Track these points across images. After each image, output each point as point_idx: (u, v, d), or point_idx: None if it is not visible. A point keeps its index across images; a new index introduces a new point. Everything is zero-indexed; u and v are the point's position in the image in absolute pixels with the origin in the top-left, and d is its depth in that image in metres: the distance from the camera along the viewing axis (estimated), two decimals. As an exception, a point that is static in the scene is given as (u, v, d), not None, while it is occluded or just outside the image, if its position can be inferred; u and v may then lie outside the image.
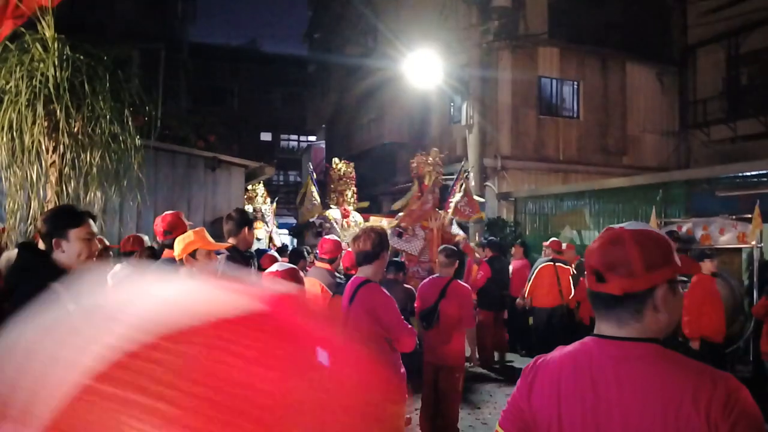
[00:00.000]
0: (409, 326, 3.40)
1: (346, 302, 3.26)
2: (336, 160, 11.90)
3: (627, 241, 1.30)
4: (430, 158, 9.33)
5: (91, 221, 2.49)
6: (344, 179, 11.51)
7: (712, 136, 15.63)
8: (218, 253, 3.60)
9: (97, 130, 4.17)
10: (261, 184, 13.37)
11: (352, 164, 11.84)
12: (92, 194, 4.40)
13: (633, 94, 15.58)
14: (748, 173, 8.84)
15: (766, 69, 14.88)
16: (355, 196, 11.71)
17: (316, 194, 11.06)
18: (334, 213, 10.83)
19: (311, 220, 10.78)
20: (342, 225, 10.75)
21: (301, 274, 2.70)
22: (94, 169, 4.28)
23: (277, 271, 2.62)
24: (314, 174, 11.83)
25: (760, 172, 8.64)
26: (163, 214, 3.84)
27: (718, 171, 9.68)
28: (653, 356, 1.27)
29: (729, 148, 15.04)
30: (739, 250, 7.62)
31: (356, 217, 11.13)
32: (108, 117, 4.15)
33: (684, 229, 8.80)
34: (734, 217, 7.98)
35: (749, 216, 7.55)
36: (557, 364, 1.38)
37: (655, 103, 16.01)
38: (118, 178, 4.57)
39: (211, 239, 3.11)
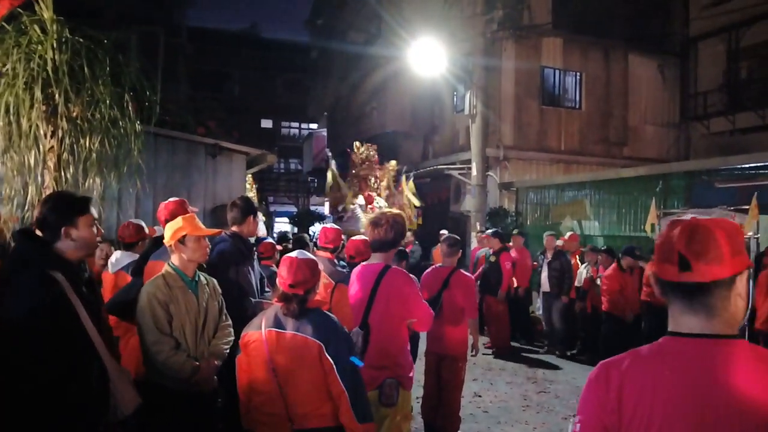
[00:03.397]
0: (429, 307, 3.45)
1: (368, 287, 3.23)
2: (357, 144, 11.64)
3: (711, 227, 1.27)
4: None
5: (92, 206, 2.45)
6: (367, 163, 11.21)
7: (711, 129, 15.60)
8: (221, 239, 3.56)
9: (96, 114, 4.12)
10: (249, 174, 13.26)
11: (374, 147, 11.57)
12: (91, 180, 4.35)
13: (634, 85, 15.52)
14: (747, 165, 8.84)
15: (765, 63, 14.84)
16: (378, 180, 11.42)
17: (340, 182, 11.01)
18: (358, 200, 10.78)
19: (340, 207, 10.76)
20: (366, 211, 10.65)
21: (320, 266, 2.65)
22: (94, 155, 4.23)
23: (295, 257, 2.57)
24: (333, 162, 11.58)
25: (758, 164, 8.64)
26: (167, 201, 3.79)
27: (717, 163, 9.68)
28: (751, 355, 1.25)
29: (728, 140, 15.02)
30: (737, 241, 7.63)
31: (380, 202, 10.98)
32: (108, 102, 4.10)
33: (684, 220, 8.81)
34: (732, 208, 7.99)
35: (747, 207, 7.56)
36: (647, 369, 1.29)
37: (656, 94, 15.95)
38: (117, 165, 4.52)
39: (201, 225, 3.05)
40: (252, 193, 13.65)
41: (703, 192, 9.55)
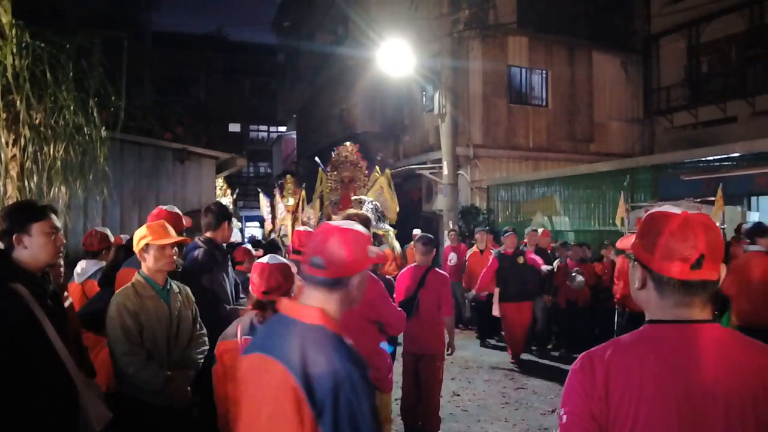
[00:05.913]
0: (399, 309, 3.42)
1: None
2: (347, 144, 11.40)
3: (715, 228, 1.34)
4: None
5: (53, 215, 2.38)
6: (343, 165, 10.96)
7: (675, 123, 16.00)
8: (194, 246, 3.49)
9: (60, 121, 4.00)
10: (221, 178, 13.13)
11: (356, 146, 11.36)
12: (56, 189, 4.24)
13: (599, 82, 15.80)
14: (710, 158, 9.07)
15: (725, 58, 15.30)
16: (366, 176, 11.09)
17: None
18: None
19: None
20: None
21: (294, 269, 2.61)
22: (58, 163, 4.12)
23: (267, 263, 2.52)
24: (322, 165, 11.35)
25: (722, 156, 8.87)
26: (160, 207, 3.70)
27: (682, 156, 9.90)
28: (727, 336, 1.33)
29: (691, 133, 15.43)
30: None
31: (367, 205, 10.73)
32: (72, 108, 3.99)
33: (651, 213, 8.99)
34: (699, 200, 8.16)
35: (713, 199, 7.74)
36: (631, 356, 1.32)
37: (620, 91, 16.27)
38: (83, 172, 4.41)
39: (168, 233, 2.97)
40: (227, 199, 13.52)
41: (670, 185, 9.76)
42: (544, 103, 15.23)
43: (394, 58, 11.81)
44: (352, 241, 1.58)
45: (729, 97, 14.58)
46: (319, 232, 1.61)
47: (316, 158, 11.64)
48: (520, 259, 7.89)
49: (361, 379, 1.46)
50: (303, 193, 11.89)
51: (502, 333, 8.47)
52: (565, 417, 1.34)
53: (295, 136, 27.74)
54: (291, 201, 11.62)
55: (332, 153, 11.14)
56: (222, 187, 13.93)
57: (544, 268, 7.77)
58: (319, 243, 1.57)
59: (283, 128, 32.46)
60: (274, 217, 12.68)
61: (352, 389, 1.43)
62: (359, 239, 1.60)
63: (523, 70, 14.92)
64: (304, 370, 1.44)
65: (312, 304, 1.56)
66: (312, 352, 1.46)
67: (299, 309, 1.58)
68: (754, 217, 10.18)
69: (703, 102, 15.21)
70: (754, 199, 10.53)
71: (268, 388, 1.51)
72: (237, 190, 15.44)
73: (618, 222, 9.31)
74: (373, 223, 9.63)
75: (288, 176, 12.92)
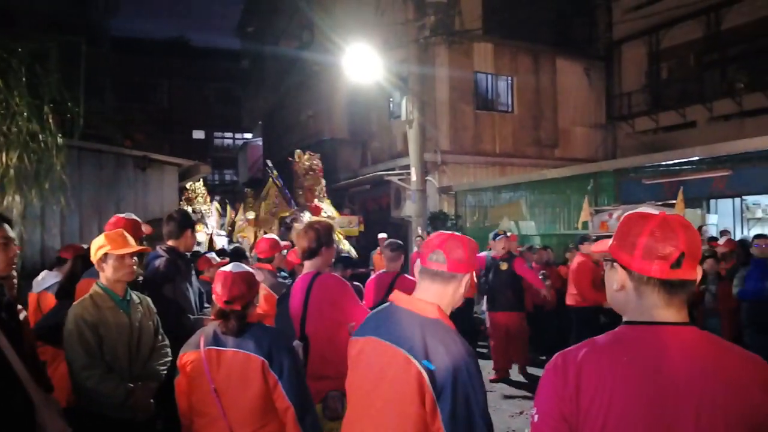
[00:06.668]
0: (369, 310, 3.37)
1: (302, 298, 3.15)
2: (299, 152, 11.37)
3: (693, 228, 1.33)
4: None
5: (6, 225, 2.28)
6: (310, 173, 10.99)
7: (636, 128, 16.41)
8: (156, 255, 3.39)
9: (13, 128, 3.85)
10: (200, 183, 13.04)
11: (317, 155, 11.39)
12: (10, 198, 4.08)
13: (563, 88, 16.10)
14: (671, 162, 9.31)
15: (684, 64, 15.78)
16: (324, 190, 11.20)
17: (280, 193, 10.81)
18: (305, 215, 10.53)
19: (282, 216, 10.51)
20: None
21: (261, 277, 2.53)
22: (11, 171, 3.96)
23: (229, 272, 2.45)
24: (274, 172, 11.26)
25: (682, 160, 9.11)
26: (117, 216, 3.56)
27: (643, 160, 10.14)
28: (704, 338, 1.31)
29: (652, 138, 15.84)
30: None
31: (329, 211, 10.74)
32: (25, 114, 3.84)
33: (614, 216, 9.18)
34: (660, 203, 8.36)
35: (673, 202, 7.93)
36: (604, 357, 1.30)
37: (584, 96, 16.62)
38: (39, 181, 4.27)
39: (127, 241, 2.86)
40: (206, 206, 13.34)
41: (632, 188, 9.98)
42: (509, 110, 15.44)
43: (361, 63, 11.79)
44: (467, 244, 1.86)
45: (688, 102, 15.03)
46: (437, 236, 1.87)
47: (290, 158, 11.58)
48: (503, 266, 7.22)
49: (475, 368, 1.71)
50: (263, 204, 11.84)
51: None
52: (536, 417, 1.34)
53: (261, 143, 27.48)
54: (252, 215, 11.62)
55: (291, 161, 11.13)
56: (203, 194, 13.75)
57: (544, 289, 7.40)
58: (440, 242, 1.83)
59: (248, 135, 32.12)
60: (232, 228, 12.72)
61: (468, 376, 1.68)
62: (471, 245, 1.87)
63: (489, 77, 15.11)
64: (426, 357, 1.70)
65: (428, 299, 1.83)
66: (432, 342, 1.72)
67: (416, 302, 1.84)
68: (713, 219, 10.52)
69: (664, 107, 15.65)
70: (713, 201, 10.87)
71: (387, 371, 1.77)
72: (218, 198, 15.28)
73: (580, 225, 9.46)
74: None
75: (248, 190, 13.00)
